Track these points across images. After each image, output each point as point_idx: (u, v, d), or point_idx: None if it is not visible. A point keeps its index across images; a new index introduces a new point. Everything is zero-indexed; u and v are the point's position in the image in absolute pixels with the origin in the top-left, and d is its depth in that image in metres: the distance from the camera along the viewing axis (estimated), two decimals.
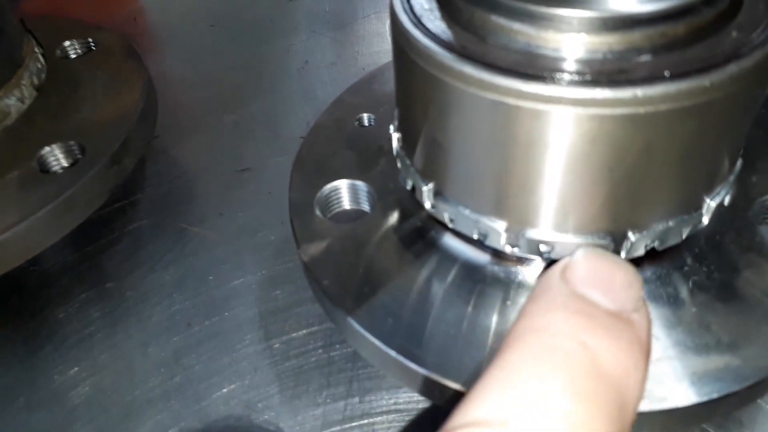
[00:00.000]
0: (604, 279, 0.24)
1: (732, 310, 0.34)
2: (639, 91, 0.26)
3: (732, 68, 0.27)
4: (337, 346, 0.44)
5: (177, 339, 0.45)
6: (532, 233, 0.33)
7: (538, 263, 0.36)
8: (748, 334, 0.33)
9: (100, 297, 0.48)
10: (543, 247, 0.33)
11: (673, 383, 0.31)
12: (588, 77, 0.27)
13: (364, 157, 0.44)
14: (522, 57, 0.28)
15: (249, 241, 0.51)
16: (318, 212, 0.41)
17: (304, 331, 0.45)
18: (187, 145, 0.61)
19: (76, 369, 0.44)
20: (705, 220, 0.34)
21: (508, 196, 0.32)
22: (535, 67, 0.28)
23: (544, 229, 0.33)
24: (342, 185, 0.42)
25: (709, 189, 0.33)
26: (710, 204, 0.34)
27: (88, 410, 0.42)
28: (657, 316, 0.34)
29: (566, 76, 0.27)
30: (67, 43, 0.59)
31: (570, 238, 0.33)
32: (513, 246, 0.34)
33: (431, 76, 0.30)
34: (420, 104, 0.33)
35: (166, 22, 0.81)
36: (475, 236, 0.35)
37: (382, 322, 0.34)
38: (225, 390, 0.42)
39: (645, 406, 0.30)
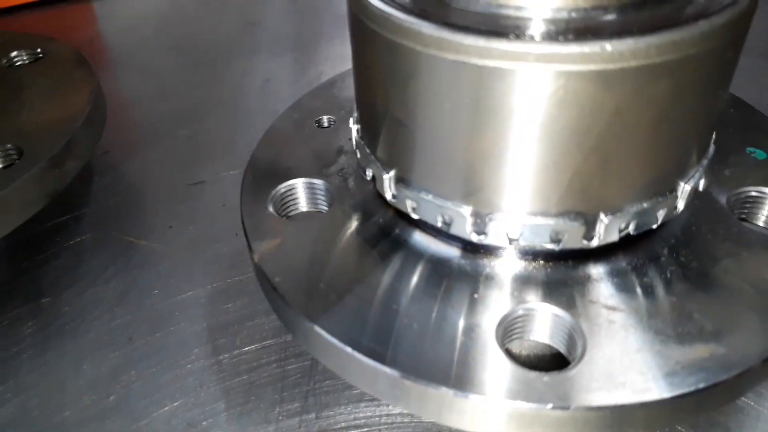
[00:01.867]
0: None
1: (713, 299, 0.32)
2: (608, 45, 0.25)
3: (702, 25, 0.26)
4: (293, 359, 0.41)
5: (116, 355, 0.41)
6: (499, 217, 0.31)
7: (508, 254, 0.34)
8: (732, 322, 0.31)
9: (33, 313, 0.44)
10: (511, 233, 0.31)
11: (656, 374, 0.29)
12: (554, 33, 0.26)
13: (323, 157, 0.42)
14: (484, 18, 0.27)
15: (199, 254, 0.48)
16: (272, 211, 0.39)
17: (256, 345, 0.42)
18: (137, 160, 0.59)
19: (0, 389, 0.40)
20: (680, 205, 0.33)
21: (474, 173, 0.30)
22: (499, 26, 0.26)
23: (512, 211, 0.31)
24: (298, 184, 0.40)
25: (683, 171, 0.32)
26: (685, 187, 0.32)
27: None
28: (634, 307, 0.32)
29: (531, 33, 0.26)
30: (14, 53, 0.57)
31: (539, 221, 0.31)
32: (479, 233, 0.32)
33: (389, 42, 0.29)
34: (379, 79, 0.31)
35: (124, 45, 0.80)
36: (439, 223, 0.33)
37: (348, 325, 0.31)
38: (167, 408, 0.38)
39: (627, 398, 0.28)
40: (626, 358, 0.29)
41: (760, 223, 0.37)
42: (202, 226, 0.51)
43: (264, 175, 0.41)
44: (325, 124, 0.46)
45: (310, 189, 0.40)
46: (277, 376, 0.40)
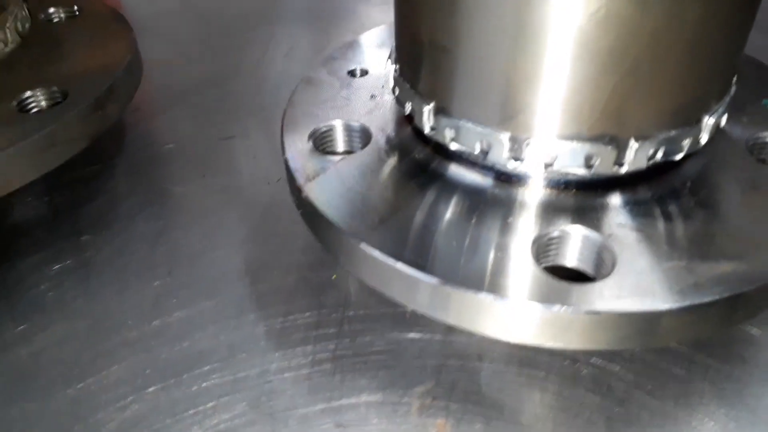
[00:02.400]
0: None
1: (735, 226, 0.34)
2: None
3: None
4: (330, 290, 0.43)
5: (156, 285, 0.43)
6: (536, 142, 0.33)
7: (540, 183, 0.36)
8: (754, 245, 0.33)
9: (75, 248, 0.46)
10: (546, 157, 0.33)
11: (683, 286, 0.31)
12: None
13: (358, 103, 0.44)
14: None
15: (234, 200, 0.50)
16: (313, 147, 0.41)
17: (293, 278, 0.44)
18: (167, 117, 0.61)
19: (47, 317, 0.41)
20: (703, 138, 0.35)
21: (514, 96, 0.32)
22: None
23: (548, 135, 0.33)
24: (336, 124, 0.42)
25: (707, 103, 0.34)
26: (709, 120, 0.35)
27: (59, 351, 0.39)
28: (661, 230, 0.34)
29: None
30: (51, 9, 0.59)
31: (573, 145, 0.33)
32: (516, 159, 0.34)
33: None
34: (421, 4, 0.33)
35: (147, 14, 0.82)
36: (477, 151, 0.35)
37: (391, 242, 0.33)
38: (209, 330, 0.40)
39: (655, 305, 0.30)
40: (654, 272, 0.31)
41: None
42: (235, 176, 0.53)
43: (302, 116, 0.43)
44: (358, 74, 0.48)
45: (348, 130, 0.42)
46: (314, 305, 0.42)
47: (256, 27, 0.78)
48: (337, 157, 0.40)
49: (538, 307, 0.30)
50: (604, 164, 0.33)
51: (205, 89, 0.65)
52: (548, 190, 0.36)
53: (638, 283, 0.31)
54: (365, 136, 0.42)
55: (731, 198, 0.36)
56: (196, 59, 0.72)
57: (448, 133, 0.36)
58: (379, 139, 0.41)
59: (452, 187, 0.37)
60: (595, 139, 0.33)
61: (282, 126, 0.43)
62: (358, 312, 0.41)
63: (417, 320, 0.40)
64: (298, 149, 0.40)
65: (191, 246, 0.46)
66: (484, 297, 0.30)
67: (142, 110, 0.62)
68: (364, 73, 0.48)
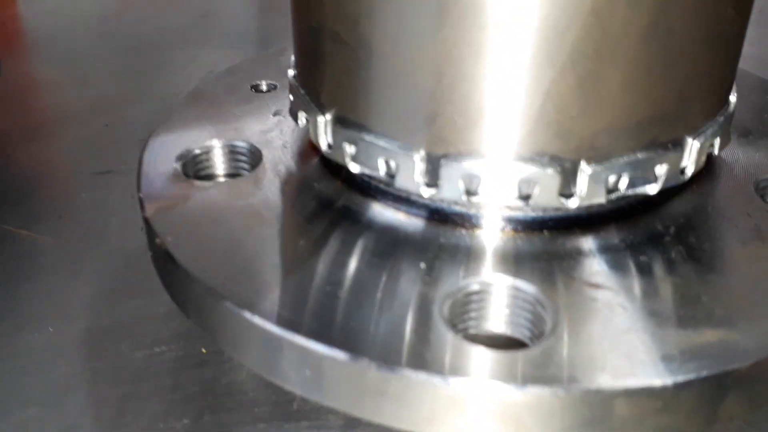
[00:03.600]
0: None
1: (727, 284, 0.31)
2: None
3: None
4: (191, 370, 0.39)
5: None
6: (454, 160, 0.31)
7: (465, 220, 0.33)
8: (751, 308, 0.30)
9: None
10: (468, 182, 0.31)
11: (647, 357, 0.27)
12: None
13: (253, 121, 0.42)
14: None
15: (92, 249, 0.48)
16: (181, 172, 0.39)
17: (145, 353, 0.40)
18: (37, 146, 0.59)
19: None
20: (688, 166, 0.33)
21: (425, 96, 0.30)
22: None
23: (469, 153, 0.31)
24: (216, 145, 0.40)
25: (690, 120, 0.32)
26: (693, 144, 0.32)
27: None
28: (626, 286, 0.31)
29: None
30: None
31: (503, 167, 0.31)
32: (431, 185, 0.32)
33: None
34: None
35: (48, 30, 0.82)
36: (382, 172, 0.33)
37: (266, 301, 0.30)
38: (18, 416, 0.36)
39: (605, 381, 0.26)
40: (609, 339, 0.28)
41: None
42: (102, 218, 0.51)
43: (177, 135, 0.41)
44: (264, 89, 0.46)
45: (231, 153, 0.40)
46: (167, 389, 0.38)
47: (177, 48, 0.78)
48: (209, 184, 0.38)
49: (438, 381, 0.27)
50: (545, 194, 0.31)
51: (92, 116, 0.64)
52: (478, 231, 0.33)
53: (580, 354, 0.27)
54: (253, 160, 0.40)
55: (726, 249, 0.33)
56: (95, 80, 0.71)
57: (348, 150, 0.34)
58: (271, 164, 0.39)
59: (361, 226, 0.34)
60: (531, 158, 0.30)
61: (145, 146, 0.41)
62: (228, 398, 0.37)
63: (307, 413, 0.37)
64: (157, 173, 0.38)
65: (25, 304, 0.43)
66: (375, 375, 0.27)
67: (11, 135, 0.60)
68: (273, 87, 0.46)
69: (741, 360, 0.27)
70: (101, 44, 0.80)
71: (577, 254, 0.32)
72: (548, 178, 0.31)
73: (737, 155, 0.39)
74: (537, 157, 0.30)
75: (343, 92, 0.33)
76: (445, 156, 0.31)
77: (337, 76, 0.33)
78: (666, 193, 0.34)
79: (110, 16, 0.85)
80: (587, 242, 0.33)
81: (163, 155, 0.39)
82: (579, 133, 0.30)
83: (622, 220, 0.34)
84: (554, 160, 0.30)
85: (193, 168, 0.39)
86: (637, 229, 0.34)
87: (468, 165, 0.31)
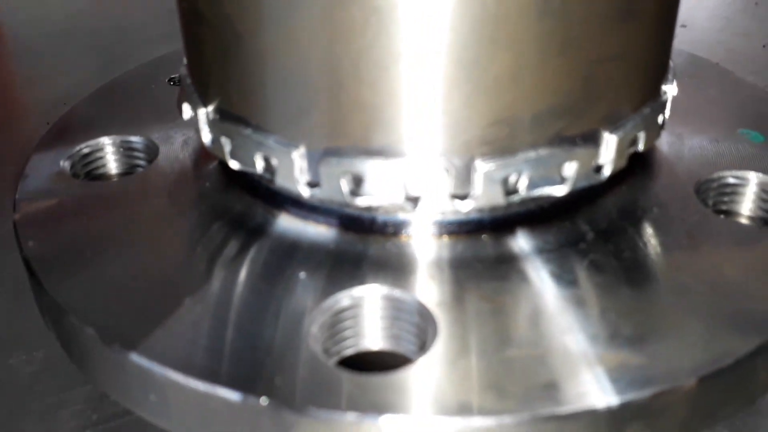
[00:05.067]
0: None
1: (643, 298, 0.27)
2: None
3: None
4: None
5: None
6: (331, 155, 0.28)
7: (349, 222, 0.30)
8: (665, 327, 0.26)
9: None
10: (347, 181, 0.28)
11: (531, 384, 0.24)
12: None
13: (164, 115, 0.39)
14: None
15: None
16: (67, 170, 0.36)
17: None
18: None
19: None
20: (605, 165, 0.29)
21: (296, 84, 0.27)
22: None
23: (348, 147, 0.27)
24: (107, 142, 0.37)
25: (605, 111, 0.29)
26: (610, 139, 0.29)
27: None
28: (520, 299, 0.27)
29: None
30: None
31: (387, 165, 0.27)
32: (312, 184, 0.29)
33: None
34: None
35: (17, 27, 0.81)
36: (260, 169, 0.29)
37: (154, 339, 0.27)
38: None
39: (461, 418, 0.23)
40: (487, 360, 0.25)
41: (744, 212, 0.33)
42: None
43: (74, 131, 0.38)
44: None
45: (125, 149, 0.37)
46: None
47: (144, 44, 0.75)
48: (94, 184, 0.35)
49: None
50: (435, 196, 0.28)
51: (55, 109, 0.62)
52: (367, 237, 0.30)
53: (457, 374, 0.24)
54: (150, 156, 0.37)
55: (648, 259, 0.29)
56: (58, 78, 0.69)
57: (227, 145, 0.30)
58: (167, 163, 0.36)
59: (246, 231, 0.31)
60: (417, 156, 0.27)
61: (38, 142, 0.38)
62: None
63: None
64: (43, 172, 0.35)
65: None
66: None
67: None
68: None
69: (640, 389, 0.24)
70: (70, 41, 0.78)
71: (479, 263, 0.29)
72: (437, 178, 0.27)
73: (682, 150, 0.35)
74: (424, 154, 0.27)
75: (221, 83, 0.30)
76: (326, 152, 0.28)
77: (213, 64, 0.30)
78: (587, 194, 0.31)
79: (79, 14, 0.83)
80: (492, 248, 0.29)
81: (51, 154, 0.37)
82: (467, 126, 0.27)
83: (535, 224, 0.30)
84: (443, 156, 0.27)
85: (82, 167, 0.36)
86: (551, 234, 0.30)
87: (349, 163, 0.28)
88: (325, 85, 0.27)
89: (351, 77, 0.26)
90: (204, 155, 0.36)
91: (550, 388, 0.24)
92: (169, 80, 0.44)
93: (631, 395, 0.24)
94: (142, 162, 0.37)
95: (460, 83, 0.26)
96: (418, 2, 0.24)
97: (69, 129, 0.38)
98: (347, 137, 0.28)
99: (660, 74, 0.31)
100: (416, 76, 0.26)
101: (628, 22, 0.27)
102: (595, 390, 0.24)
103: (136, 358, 0.25)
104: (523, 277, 0.28)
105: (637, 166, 0.33)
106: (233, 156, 0.30)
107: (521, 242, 0.30)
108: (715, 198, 0.34)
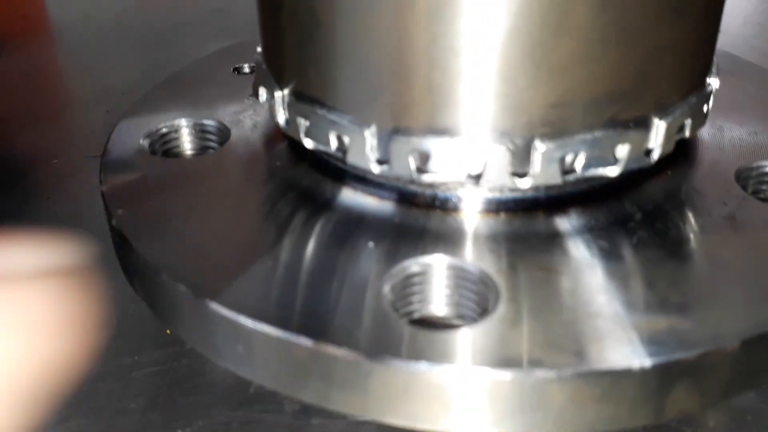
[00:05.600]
0: None
1: (687, 271, 0.30)
2: None
3: None
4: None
5: None
6: (401, 135, 0.30)
7: (418, 198, 0.32)
8: (708, 297, 0.28)
9: None
10: (419, 159, 0.30)
11: (589, 343, 0.26)
12: None
13: (228, 102, 0.42)
14: None
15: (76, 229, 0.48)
16: (147, 148, 0.38)
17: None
18: (37, 131, 0.60)
19: None
20: (654, 149, 0.31)
21: (367, 64, 0.30)
22: None
23: (417, 128, 0.30)
24: (182, 124, 0.40)
25: (655, 99, 0.31)
26: (659, 125, 0.31)
27: None
28: (578, 269, 0.29)
29: None
30: None
31: (452, 144, 0.30)
32: (381, 161, 0.31)
33: None
34: None
35: (69, 20, 0.84)
36: (333, 147, 0.32)
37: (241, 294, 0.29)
38: None
39: (534, 370, 0.25)
40: (548, 323, 0.27)
41: None
42: (88, 200, 0.51)
43: (148, 113, 0.41)
44: (246, 71, 0.46)
45: (199, 131, 0.40)
46: (125, 368, 0.38)
47: (190, 41, 0.78)
48: (173, 161, 0.38)
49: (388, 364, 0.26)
50: (496, 173, 0.30)
51: (98, 102, 0.64)
52: (434, 212, 0.32)
53: (518, 336, 0.26)
54: (222, 137, 0.39)
55: (694, 237, 0.31)
56: (105, 71, 0.72)
57: (302, 125, 0.33)
58: (239, 142, 0.38)
59: (318, 207, 0.34)
60: (481, 135, 0.29)
61: (117, 122, 0.41)
62: (186, 381, 0.37)
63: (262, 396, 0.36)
64: (124, 149, 0.38)
65: None
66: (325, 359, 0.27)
67: (12, 120, 0.61)
68: (255, 69, 0.46)
69: (687, 349, 0.26)
70: (117, 36, 0.81)
71: (535, 237, 0.31)
72: (499, 156, 0.30)
73: (723, 141, 0.37)
74: (487, 133, 0.29)
75: (298, 66, 0.33)
76: (396, 131, 0.30)
77: (292, 49, 0.33)
78: (635, 176, 0.33)
79: (128, 10, 0.86)
80: (546, 225, 0.32)
81: (132, 133, 0.39)
82: (529, 107, 0.29)
83: (586, 203, 0.32)
84: (505, 136, 0.29)
85: (161, 145, 0.39)
86: (601, 213, 0.32)
87: (417, 141, 0.30)
88: (398, 69, 0.29)
89: (423, 61, 0.29)
90: (274, 136, 0.38)
91: (605, 347, 0.26)
92: (234, 69, 0.46)
93: (679, 355, 0.26)
94: (213, 144, 0.39)
95: (525, 67, 0.28)
96: None
97: (145, 111, 0.41)
98: (416, 117, 0.30)
99: (706, 66, 0.33)
100: (485, 60, 0.28)
101: (681, 16, 0.29)
102: (646, 349, 0.26)
103: (222, 309, 0.28)
104: (575, 251, 0.30)
105: (681, 153, 0.35)
106: (308, 135, 0.33)
107: (573, 219, 0.32)
108: (755, 186, 0.36)
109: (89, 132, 0.60)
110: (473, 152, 0.30)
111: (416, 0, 0.28)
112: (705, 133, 0.37)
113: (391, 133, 0.30)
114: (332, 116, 0.32)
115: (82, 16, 0.87)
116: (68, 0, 0.91)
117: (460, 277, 0.29)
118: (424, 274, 0.29)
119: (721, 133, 0.38)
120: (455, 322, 0.29)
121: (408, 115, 0.30)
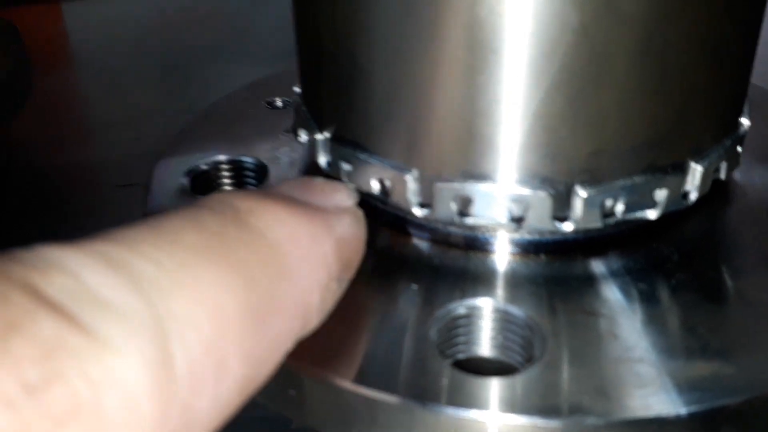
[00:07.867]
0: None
1: (728, 315, 0.30)
2: None
3: None
4: None
5: None
6: (448, 181, 0.31)
7: (457, 242, 0.33)
8: (750, 342, 0.29)
9: None
10: (461, 204, 0.31)
11: (636, 390, 0.27)
12: None
13: (263, 137, 0.43)
14: None
15: None
16: (189, 188, 0.39)
17: None
18: (65, 157, 0.61)
19: None
20: (691, 191, 0.32)
21: (416, 114, 0.30)
22: None
23: (461, 175, 0.30)
24: (222, 160, 0.40)
25: (691, 143, 0.31)
26: (696, 168, 0.31)
27: None
28: (620, 313, 0.30)
29: None
30: None
31: (494, 189, 0.30)
32: (424, 205, 0.32)
33: None
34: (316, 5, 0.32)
35: (90, 47, 0.85)
36: (377, 190, 0.33)
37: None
38: None
39: (581, 416, 0.26)
40: (595, 368, 0.27)
41: None
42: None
43: (187, 151, 0.42)
44: (279, 105, 0.47)
45: (237, 168, 0.40)
46: None
47: (213, 64, 0.79)
48: None
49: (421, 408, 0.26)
50: (538, 217, 0.30)
51: (126, 128, 0.66)
52: (473, 254, 0.33)
53: (565, 381, 0.27)
54: (260, 174, 0.40)
55: (734, 280, 0.32)
56: (130, 95, 0.73)
57: (344, 168, 0.34)
58: (276, 180, 0.39)
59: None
60: (523, 180, 0.30)
61: (156, 161, 0.41)
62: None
63: None
64: (165, 188, 0.39)
65: None
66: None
67: (41, 145, 0.62)
68: (288, 104, 0.47)
69: (733, 396, 0.26)
70: (140, 60, 0.82)
71: (575, 279, 0.32)
72: (540, 201, 0.30)
73: (754, 179, 0.38)
74: (529, 179, 0.30)
75: (339, 111, 0.34)
76: (438, 177, 0.31)
77: (333, 94, 0.34)
78: (671, 218, 0.33)
79: (151, 33, 0.87)
80: (586, 267, 0.32)
81: (171, 171, 0.40)
82: (570, 155, 0.29)
83: (624, 245, 0.33)
84: (546, 182, 0.30)
85: (201, 183, 0.40)
86: (639, 254, 0.33)
87: (459, 186, 0.31)
88: (443, 116, 0.30)
89: (467, 109, 0.29)
90: (310, 174, 0.39)
91: (652, 393, 0.26)
92: (267, 103, 0.47)
93: (723, 401, 0.26)
94: (252, 181, 0.40)
95: (567, 117, 0.29)
96: (534, 46, 0.27)
97: (183, 148, 0.42)
98: (458, 163, 0.31)
99: (739, 108, 0.34)
100: (528, 109, 0.29)
101: (717, 63, 0.30)
102: (690, 396, 0.26)
103: None
104: (616, 294, 0.31)
105: (714, 192, 0.36)
106: (350, 178, 0.34)
107: (612, 262, 0.32)
108: None
109: (118, 159, 0.61)
110: (514, 197, 0.30)
111: (459, 51, 0.28)
112: (738, 170, 0.38)
113: (433, 178, 0.31)
114: (373, 161, 0.32)
115: (103, 39, 0.88)
116: (88, 23, 0.92)
117: (505, 320, 0.30)
118: (470, 316, 0.30)
119: (751, 170, 0.38)
120: (500, 364, 0.30)
121: (450, 161, 0.31)
